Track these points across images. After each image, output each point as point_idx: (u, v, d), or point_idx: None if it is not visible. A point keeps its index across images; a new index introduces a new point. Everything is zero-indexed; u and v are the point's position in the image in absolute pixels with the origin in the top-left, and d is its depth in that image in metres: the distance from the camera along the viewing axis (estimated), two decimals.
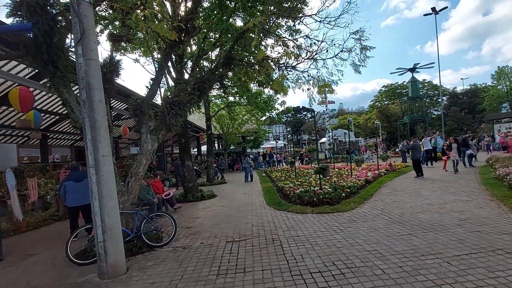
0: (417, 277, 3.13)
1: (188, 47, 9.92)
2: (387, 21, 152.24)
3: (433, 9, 28.85)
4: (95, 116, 3.79)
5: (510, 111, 35.64)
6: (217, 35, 8.67)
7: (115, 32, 7.46)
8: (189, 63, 10.64)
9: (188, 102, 5.24)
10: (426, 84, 53.52)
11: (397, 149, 25.54)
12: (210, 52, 10.85)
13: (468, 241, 4.03)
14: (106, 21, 7.91)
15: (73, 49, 3.92)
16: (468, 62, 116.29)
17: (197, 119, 21.61)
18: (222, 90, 9.11)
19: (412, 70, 41.54)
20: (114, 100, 11.13)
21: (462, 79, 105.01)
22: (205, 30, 8.54)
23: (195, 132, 20.82)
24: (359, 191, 8.47)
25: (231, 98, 17.70)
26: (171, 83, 9.74)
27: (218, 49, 10.02)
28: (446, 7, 53.18)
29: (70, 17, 3.80)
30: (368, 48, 6.07)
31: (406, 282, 3.03)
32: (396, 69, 44.60)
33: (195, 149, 28.39)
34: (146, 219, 5.22)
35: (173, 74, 9.63)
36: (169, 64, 9.64)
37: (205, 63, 11.41)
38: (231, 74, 9.07)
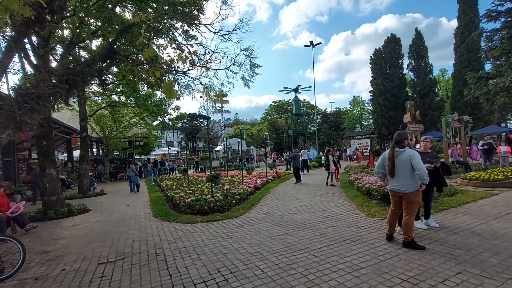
0: (289, 271, 3.52)
1: (59, 30, 8.13)
2: (278, 45, 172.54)
3: (311, 42, 35.00)
4: None
5: (361, 130, 46.74)
6: (99, 23, 7.50)
7: None
8: (61, 50, 8.74)
9: (51, 96, 4.22)
10: (305, 104, 63.27)
11: (282, 158, 29.07)
12: (89, 41, 9.23)
13: (327, 235, 4.87)
14: None
15: None
16: (335, 90, 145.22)
17: (69, 118, 18.00)
18: (102, 87, 7.87)
19: (295, 90, 48.71)
20: None
21: (330, 102, 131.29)
22: (82, 15, 7.22)
23: (66, 134, 17.18)
24: (248, 197, 8.98)
25: (115, 97, 15.55)
26: (30, 70, 7.72)
27: (101, 39, 8.63)
28: (320, 43, 65.52)
29: None
30: (256, 65, 6.64)
31: (280, 278, 3.35)
32: (283, 87, 51.26)
33: (65, 155, 23.51)
34: None
35: (33, 59, 7.65)
36: (29, 47, 7.66)
37: (83, 53, 9.64)
38: (116, 70, 7.99)
